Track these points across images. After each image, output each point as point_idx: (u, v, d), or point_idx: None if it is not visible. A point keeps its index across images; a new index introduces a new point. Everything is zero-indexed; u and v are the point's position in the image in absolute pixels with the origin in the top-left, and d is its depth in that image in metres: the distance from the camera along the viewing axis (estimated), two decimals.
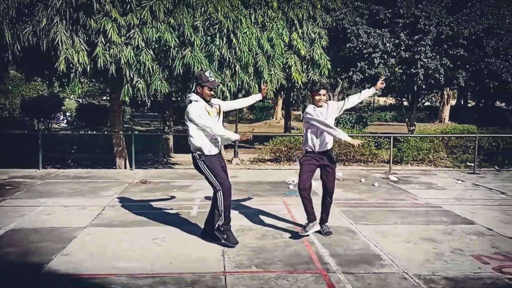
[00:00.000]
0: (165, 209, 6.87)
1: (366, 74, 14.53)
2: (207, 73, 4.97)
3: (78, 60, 8.27)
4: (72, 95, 40.42)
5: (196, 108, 4.88)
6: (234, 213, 6.50)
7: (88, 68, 8.71)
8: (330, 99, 5.44)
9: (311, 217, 5.37)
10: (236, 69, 9.65)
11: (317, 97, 5.28)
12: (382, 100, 55.02)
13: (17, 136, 12.39)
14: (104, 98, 31.86)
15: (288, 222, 6.15)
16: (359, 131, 15.17)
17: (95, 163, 12.36)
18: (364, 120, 17.92)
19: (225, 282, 4.10)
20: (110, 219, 6.25)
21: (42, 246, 5.05)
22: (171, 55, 8.81)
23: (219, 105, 5.12)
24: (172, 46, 8.59)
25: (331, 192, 5.52)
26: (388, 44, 14.28)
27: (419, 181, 9.72)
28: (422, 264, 4.59)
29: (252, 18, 10.36)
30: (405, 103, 18.39)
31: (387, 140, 13.26)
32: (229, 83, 9.67)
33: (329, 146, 5.40)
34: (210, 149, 5.01)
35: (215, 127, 4.90)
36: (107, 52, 8.53)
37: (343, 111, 5.66)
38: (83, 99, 34.47)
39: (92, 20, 8.29)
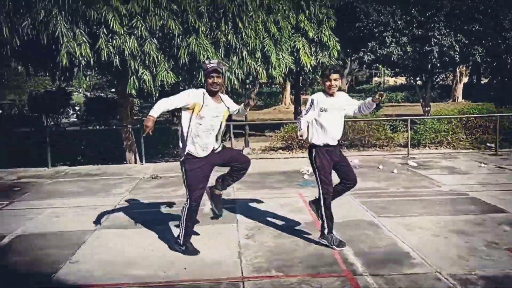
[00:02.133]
0: (177, 206, 6.58)
1: (378, 54, 14.01)
2: (207, 61, 4.51)
3: (81, 53, 7.95)
4: (81, 89, 40.22)
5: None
6: (248, 209, 6.25)
7: (92, 61, 8.40)
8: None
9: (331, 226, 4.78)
10: (243, 55, 9.27)
11: (327, 83, 4.60)
12: (392, 80, 54.06)
13: (25, 134, 12.19)
14: (113, 90, 31.56)
15: (307, 218, 5.82)
16: (373, 114, 14.68)
17: (106, 158, 12.13)
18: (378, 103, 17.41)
19: None
20: (121, 219, 5.98)
21: (50, 253, 4.80)
22: (175, 43, 8.45)
23: (228, 108, 4.61)
24: (176, 34, 8.23)
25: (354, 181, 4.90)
26: (399, 22, 13.72)
27: (440, 165, 9.32)
28: (456, 261, 4.24)
29: (257, 1, 9.93)
30: (419, 83, 17.83)
31: (403, 122, 12.81)
32: (236, 70, 9.30)
33: (338, 139, 4.78)
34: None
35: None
36: (110, 43, 8.20)
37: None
38: (92, 93, 34.24)
39: (92, 10, 7.94)
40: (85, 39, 8.03)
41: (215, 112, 4.47)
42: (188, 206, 4.58)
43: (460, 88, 33.81)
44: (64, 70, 9.34)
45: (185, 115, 4.48)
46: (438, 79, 17.00)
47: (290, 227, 5.45)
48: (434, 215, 5.77)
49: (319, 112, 4.63)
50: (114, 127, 11.27)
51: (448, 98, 33.97)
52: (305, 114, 4.66)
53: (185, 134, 4.48)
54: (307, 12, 12.39)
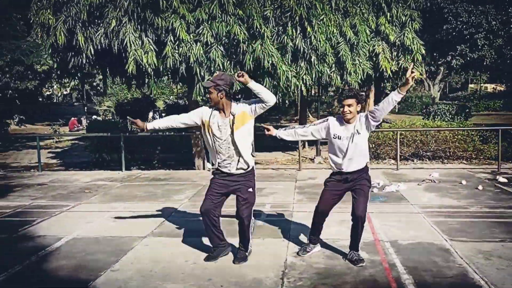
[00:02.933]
0: (232, 216, 6.33)
1: (468, 58, 12.74)
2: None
3: (147, 61, 8.10)
4: (171, 96, 42.19)
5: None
6: (304, 223, 5.81)
7: (161, 68, 8.53)
8: (364, 110, 4.41)
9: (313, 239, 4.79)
10: (312, 60, 8.84)
11: (341, 109, 4.20)
12: (490, 87, 49.71)
13: (105, 138, 12.83)
14: None
15: (367, 236, 5.24)
16: (461, 123, 13.38)
17: (179, 163, 12.35)
18: (467, 110, 15.81)
19: None
20: (173, 227, 5.88)
21: (96, 259, 4.79)
22: (241, 49, 8.29)
23: (234, 115, 4.19)
24: (241, 40, 8.06)
25: (361, 216, 4.39)
26: (494, 22, 12.34)
27: None
28: None
29: (333, 4, 9.45)
30: None
31: (496, 133, 11.47)
32: (304, 76, 8.90)
33: (360, 166, 4.31)
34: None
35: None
36: (176, 51, 8.26)
37: (373, 127, 4.24)
38: (178, 100, 35.67)
39: (160, 19, 8.06)
40: (152, 47, 8.17)
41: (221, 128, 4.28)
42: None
43: None
44: (137, 78, 9.64)
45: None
46: None
47: (346, 246, 4.92)
48: None
49: (332, 139, 4.33)
50: (183, 133, 11.41)
51: None
52: (310, 126, 4.48)
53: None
54: (388, 14, 11.62)
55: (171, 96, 41.94)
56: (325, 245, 4.99)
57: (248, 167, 4.34)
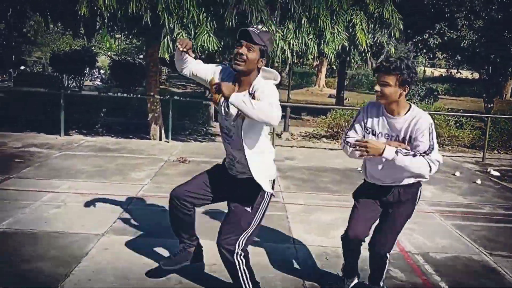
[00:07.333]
0: (207, 206, 5.08)
1: (446, 38, 12.10)
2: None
3: (104, 1, 6.42)
4: (109, 52, 38.84)
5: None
6: (307, 224, 4.70)
7: (119, 14, 6.87)
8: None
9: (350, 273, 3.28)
10: (302, 22, 7.59)
11: (375, 87, 2.70)
12: (429, 71, 51.04)
13: (40, 94, 10.84)
14: (141, 56, 29.83)
15: None
16: (430, 105, 12.86)
17: (127, 129, 10.72)
18: (435, 93, 15.42)
19: None
20: (138, 221, 4.53)
21: (38, 269, 3.38)
22: (222, 0, 6.83)
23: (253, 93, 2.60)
24: None
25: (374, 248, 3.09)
26: (476, 2, 11.74)
27: None
28: None
29: None
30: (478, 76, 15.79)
31: (470, 119, 11.01)
32: (291, 41, 7.64)
33: (403, 180, 2.87)
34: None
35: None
36: None
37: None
38: (119, 57, 32.86)
39: None
40: None
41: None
42: None
43: (510, 85, 31.12)
44: (86, 24, 7.85)
45: None
46: None
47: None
48: None
49: (364, 133, 2.88)
50: (139, 95, 9.79)
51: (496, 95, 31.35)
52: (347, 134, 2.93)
53: None
54: None
55: (109, 52, 38.50)
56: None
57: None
